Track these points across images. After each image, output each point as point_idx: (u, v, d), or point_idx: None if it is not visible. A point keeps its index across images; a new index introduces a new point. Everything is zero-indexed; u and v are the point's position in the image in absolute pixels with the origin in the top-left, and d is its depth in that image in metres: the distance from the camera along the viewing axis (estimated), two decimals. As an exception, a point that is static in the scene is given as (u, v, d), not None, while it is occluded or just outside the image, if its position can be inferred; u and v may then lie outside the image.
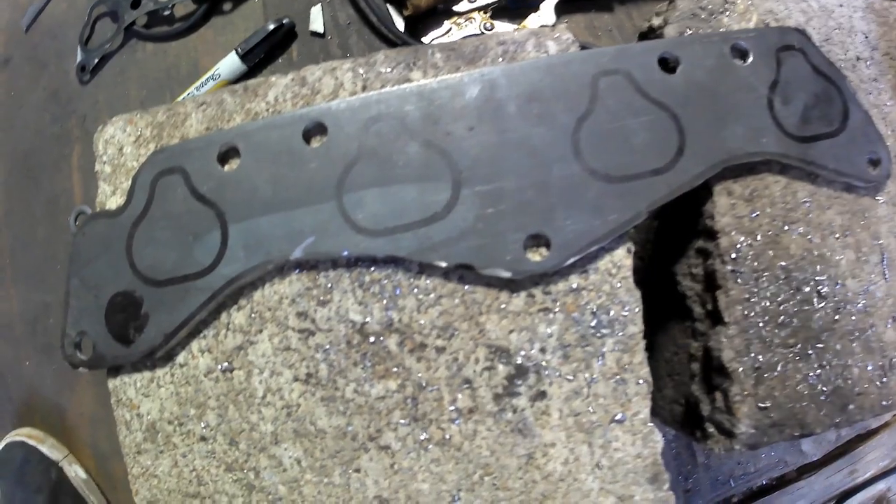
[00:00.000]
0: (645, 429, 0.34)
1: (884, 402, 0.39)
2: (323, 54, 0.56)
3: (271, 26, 0.55)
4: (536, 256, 0.32)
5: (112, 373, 0.37)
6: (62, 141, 0.61)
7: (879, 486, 0.53)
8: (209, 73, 0.56)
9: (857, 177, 0.37)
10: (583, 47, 0.36)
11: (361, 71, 0.36)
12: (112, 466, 0.59)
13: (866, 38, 0.42)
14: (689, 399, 0.38)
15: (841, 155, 0.37)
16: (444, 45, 0.36)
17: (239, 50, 0.55)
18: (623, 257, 0.34)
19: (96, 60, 0.60)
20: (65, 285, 0.58)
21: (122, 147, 0.38)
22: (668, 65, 0.35)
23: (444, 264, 0.32)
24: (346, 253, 0.32)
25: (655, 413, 0.42)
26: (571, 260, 0.32)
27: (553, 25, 0.35)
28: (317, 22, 0.57)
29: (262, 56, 0.57)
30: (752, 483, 0.53)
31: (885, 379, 0.39)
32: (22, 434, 0.61)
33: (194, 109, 0.37)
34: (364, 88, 0.35)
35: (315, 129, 0.34)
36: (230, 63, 0.56)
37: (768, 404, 0.36)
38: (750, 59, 0.36)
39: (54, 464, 0.60)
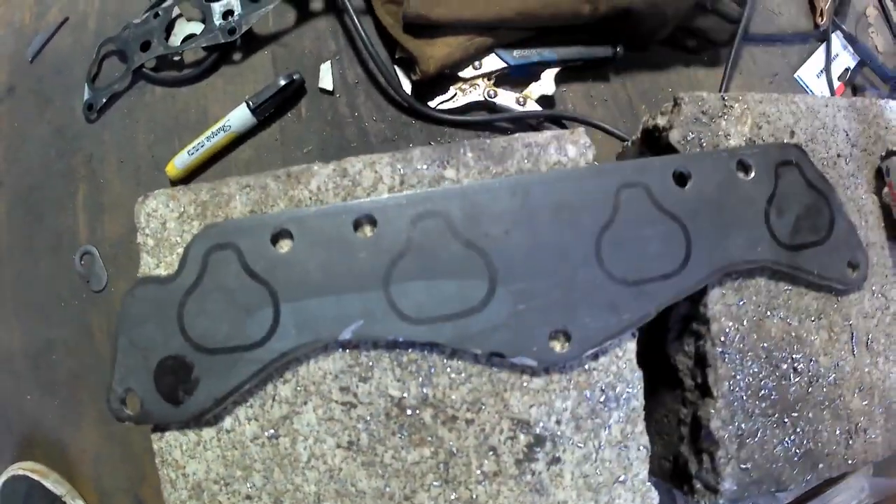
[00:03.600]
0: (644, 487, 0.42)
1: (849, 461, 0.48)
2: (331, 112, 0.61)
3: (282, 81, 0.60)
4: (558, 347, 0.39)
5: (157, 435, 0.43)
6: (67, 178, 0.65)
7: (848, 527, 0.64)
8: (220, 124, 0.60)
9: (838, 280, 0.45)
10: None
11: (399, 166, 0.42)
12: (115, 503, 0.65)
13: (847, 135, 0.51)
14: (677, 457, 0.47)
15: (825, 261, 0.45)
16: (474, 145, 0.43)
17: (250, 103, 0.60)
18: (628, 341, 0.43)
19: (104, 100, 0.64)
20: (82, 331, 0.64)
21: (164, 222, 0.44)
22: (681, 178, 0.42)
23: (478, 352, 0.38)
24: (391, 338, 0.39)
25: (658, 476, 0.52)
26: (589, 352, 0.39)
27: (572, 130, 0.43)
28: (326, 79, 0.62)
29: (273, 110, 0.62)
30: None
31: (850, 441, 0.48)
32: (25, 468, 0.66)
33: (238, 191, 0.43)
34: (402, 183, 0.42)
35: (365, 221, 0.40)
36: (240, 115, 0.60)
37: (749, 465, 0.45)
38: (752, 175, 0.43)
39: (58, 498, 0.65)
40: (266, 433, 0.41)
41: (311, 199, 0.42)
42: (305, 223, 0.40)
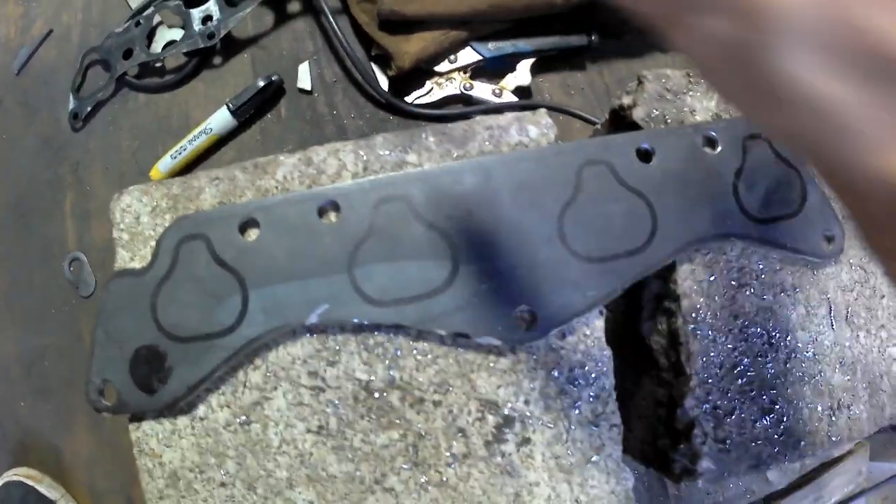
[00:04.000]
0: (617, 468, 0.42)
1: (833, 438, 0.48)
2: (310, 111, 0.63)
3: (261, 83, 0.62)
4: (524, 326, 0.39)
5: (135, 425, 0.44)
6: (55, 187, 0.67)
7: (846, 511, 0.63)
8: (201, 128, 0.62)
9: (813, 253, 0.45)
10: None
11: (362, 153, 0.43)
12: (108, 505, 0.67)
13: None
14: (656, 439, 0.47)
15: (798, 234, 0.45)
16: (436, 129, 0.44)
17: (230, 105, 0.61)
18: (596, 319, 0.43)
19: (89, 108, 0.66)
20: (71, 336, 0.65)
21: (138, 216, 0.45)
22: (645, 155, 0.43)
23: (442, 332, 0.39)
24: (356, 320, 0.39)
25: (628, 450, 0.51)
26: (554, 331, 0.39)
27: (534, 110, 0.44)
28: (304, 79, 0.64)
29: (253, 112, 0.63)
30: (720, 512, 0.62)
31: (833, 418, 0.48)
32: (20, 474, 0.68)
33: (208, 183, 0.45)
34: (365, 169, 0.43)
35: (329, 207, 0.41)
36: (221, 118, 0.62)
37: (727, 444, 0.45)
38: (719, 149, 0.44)
39: (52, 503, 0.68)
40: (238, 420, 0.42)
41: (277, 188, 0.43)
42: (271, 211, 0.41)
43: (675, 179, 0.43)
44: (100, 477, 0.65)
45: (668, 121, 0.45)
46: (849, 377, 0.47)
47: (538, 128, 0.43)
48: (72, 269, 0.65)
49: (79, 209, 0.66)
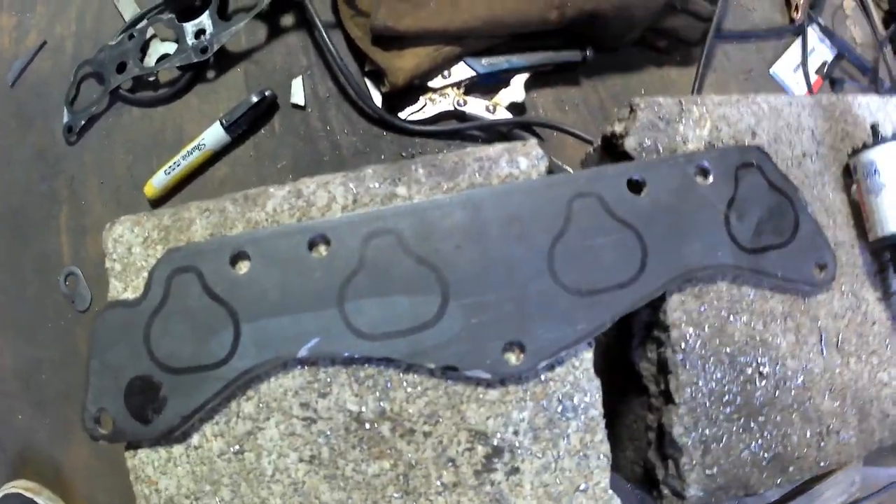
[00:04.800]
0: (605, 496, 0.44)
1: (822, 464, 0.49)
2: (303, 127, 0.63)
3: (254, 98, 0.62)
4: (513, 359, 0.40)
5: (131, 453, 0.46)
6: (50, 200, 0.68)
7: (840, 520, 0.64)
8: (195, 143, 0.63)
9: (805, 282, 0.46)
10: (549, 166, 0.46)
11: (352, 185, 0.44)
12: (108, 517, 0.69)
13: (813, 133, 0.51)
14: (646, 463, 0.48)
15: (789, 263, 0.45)
16: (426, 161, 0.44)
17: (223, 121, 0.62)
18: (585, 351, 0.44)
19: (83, 122, 0.67)
20: (67, 350, 0.67)
21: (130, 247, 0.46)
22: (636, 185, 0.44)
23: (432, 366, 0.40)
24: (346, 354, 0.40)
25: (620, 470, 0.53)
26: (543, 363, 0.40)
27: (524, 142, 0.44)
28: (297, 94, 0.64)
29: (246, 127, 0.64)
30: (714, 524, 0.64)
31: (822, 443, 0.49)
32: (18, 486, 0.69)
33: (198, 215, 0.45)
34: (355, 202, 0.44)
35: (319, 240, 0.41)
36: (215, 133, 0.63)
37: (714, 471, 0.46)
38: (711, 179, 0.44)
39: (51, 514, 0.70)
40: (232, 449, 0.43)
41: (267, 220, 0.44)
42: (262, 244, 0.42)
43: (666, 211, 0.44)
44: (98, 489, 0.67)
45: (661, 150, 0.46)
46: (838, 403, 0.48)
47: (528, 159, 0.44)
48: (67, 283, 0.67)
49: (74, 223, 0.67)
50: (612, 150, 0.48)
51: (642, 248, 0.43)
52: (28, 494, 0.68)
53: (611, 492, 0.43)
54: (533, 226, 0.42)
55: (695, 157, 0.45)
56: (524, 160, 0.44)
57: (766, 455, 0.46)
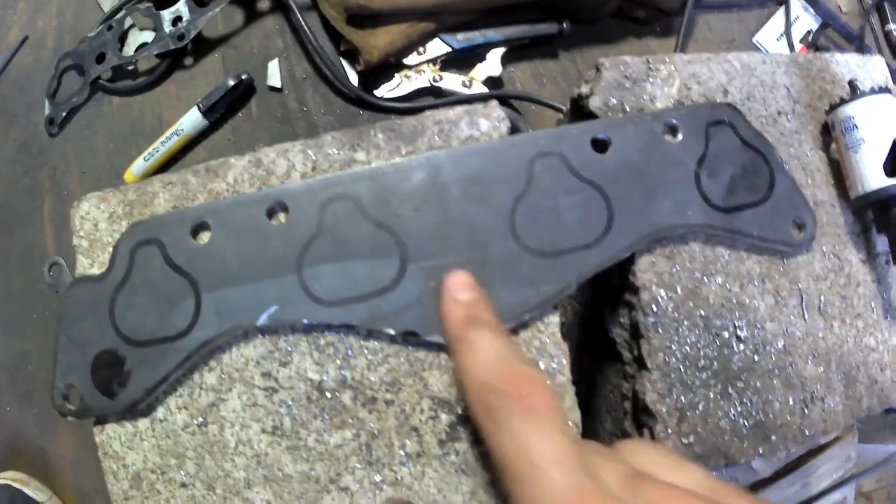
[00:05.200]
0: (575, 464, 0.44)
1: (807, 432, 0.48)
2: (281, 109, 0.64)
3: (231, 82, 0.63)
4: None
5: (98, 428, 0.46)
6: (33, 193, 0.69)
7: (835, 497, 0.62)
8: (173, 129, 0.63)
9: (782, 242, 0.45)
10: (513, 126, 0.46)
11: (311, 152, 0.44)
12: (94, 505, 0.69)
13: (789, 91, 0.50)
14: (623, 433, 0.47)
15: (765, 222, 0.44)
16: (385, 126, 0.44)
17: (201, 106, 0.63)
18: (551, 315, 0.43)
19: (64, 114, 0.68)
20: (53, 340, 0.68)
21: (97, 223, 0.46)
22: (601, 145, 0.43)
23: (391, 332, 0.40)
24: (305, 321, 0.40)
25: (600, 442, 0.52)
26: (507, 327, 0.40)
27: (486, 102, 0.44)
28: (274, 77, 0.65)
29: (224, 111, 0.65)
30: (707, 501, 0.62)
31: (806, 411, 0.48)
32: (7, 477, 0.70)
33: (161, 188, 0.46)
34: (314, 169, 0.44)
35: (277, 208, 0.41)
36: (192, 119, 0.63)
37: (691, 439, 0.45)
38: (680, 137, 0.44)
39: (39, 504, 0.71)
40: (195, 421, 0.43)
41: (228, 190, 0.44)
42: (221, 214, 0.43)
43: (632, 169, 0.43)
44: (85, 478, 0.68)
45: (627, 109, 0.45)
46: (822, 368, 0.47)
47: (489, 121, 0.43)
48: (51, 273, 0.67)
49: (57, 214, 0.69)
50: (579, 112, 0.47)
51: (608, 207, 0.42)
52: (16, 485, 0.69)
53: (581, 460, 0.42)
54: (493, 187, 0.42)
55: (662, 114, 0.44)
56: (485, 122, 0.43)
57: (746, 423, 0.45)
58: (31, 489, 0.69)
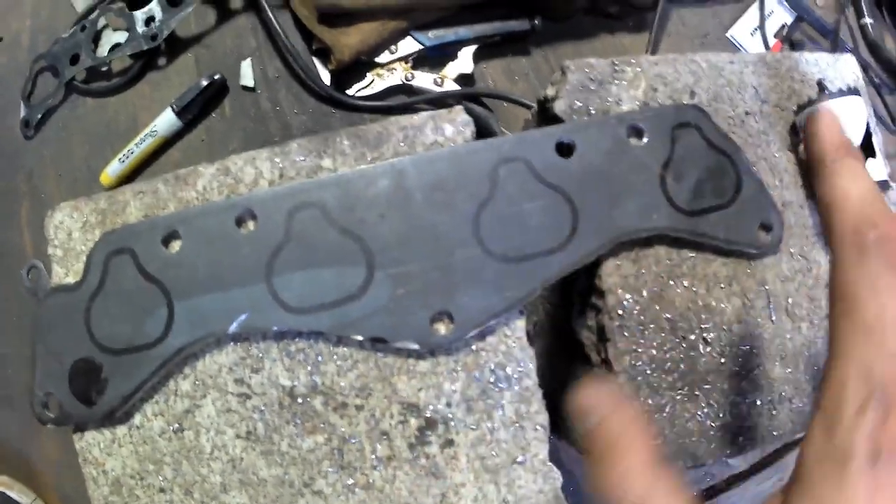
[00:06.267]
0: (544, 468, 0.45)
1: (774, 433, 0.49)
2: (254, 108, 0.65)
3: (204, 82, 0.64)
4: (441, 329, 0.41)
5: (78, 435, 0.48)
6: (10, 197, 0.70)
7: (811, 491, 0.64)
8: (146, 131, 0.65)
9: (749, 244, 0.46)
10: (479, 129, 0.47)
11: (278, 160, 0.46)
12: (77, 507, 0.72)
13: (757, 91, 0.51)
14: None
15: (732, 225, 0.45)
16: (350, 132, 0.46)
17: (174, 106, 0.64)
18: (517, 319, 0.45)
19: (39, 116, 0.69)
20: (31, 349, 0.70)
21: (70, 232, 0.48)
22: (565, 149, 0.44)
23: (359, 338, 0.42)
24: (275, 328, 0.42)
25: (572, 443, 0.54)
26: (472, 333, 0.42)
27: (451, 108, 0.46)
28: (247, 76, 0.66)
29: (197, 111, 0.66)
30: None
31: (773, 412, 0.49)
32: (-9, 481, 0.74)
33: (132, 197, 0.47)
34: (281, 176, 0.45)
35: (246, 216, 0.43)
36: (166, 119, 0.65)
37: (659, 441, 0.47)
38: (645, 140, 0.45)
39: (24, 507, 0.73)
40: (172, 427, 0.45)
41: (198, 198, 0.46)
42: (191, 223, 0.44)
43: (597, 173, 0.45)
44: (67, 481, 0.70)
45: (593, 111, 0.47)
46: (790, 370, 0.49)
47: (453, 126, 0.45)
48: (30, 276, 0.69)
49: (34, 217, 0.70)
50: (545, 113, 0.49)
51: (573, 212, 0.44)
52: (0, 488, 0.72)
53: (549, 464, 0.45)
54: (457, 193, 0.43)
55: (626, 117, 0.46)
56: (449, 127, 0.45)
57: (713, 424, 0.47)
58: (15, 492, 0.71)
